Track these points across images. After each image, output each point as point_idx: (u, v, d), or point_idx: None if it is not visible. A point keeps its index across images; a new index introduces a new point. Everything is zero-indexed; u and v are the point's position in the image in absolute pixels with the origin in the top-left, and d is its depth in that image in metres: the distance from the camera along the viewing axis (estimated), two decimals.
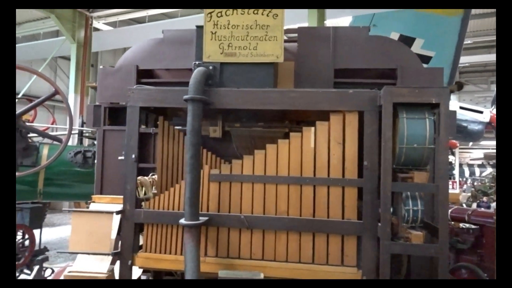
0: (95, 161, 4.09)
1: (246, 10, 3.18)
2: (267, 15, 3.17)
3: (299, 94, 2.94)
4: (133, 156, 3.06)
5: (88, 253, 3.00)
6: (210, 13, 3.23)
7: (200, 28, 3.28)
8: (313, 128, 2.94)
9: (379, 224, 2.74)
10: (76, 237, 3.03)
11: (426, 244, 2.64)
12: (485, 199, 15.46)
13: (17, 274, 5.71)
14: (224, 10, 3.20)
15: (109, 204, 3.20)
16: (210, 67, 3.16)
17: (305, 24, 7.99)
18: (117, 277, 3.04)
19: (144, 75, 3.99)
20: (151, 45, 3.97)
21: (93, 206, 3.20)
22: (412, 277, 3.34)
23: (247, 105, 2.96)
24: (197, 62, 3.22)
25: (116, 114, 4.12)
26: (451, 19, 4.89)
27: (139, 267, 3.09)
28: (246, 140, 3.48)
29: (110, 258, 3.05)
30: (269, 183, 2.96)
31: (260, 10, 3.17)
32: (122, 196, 3.30)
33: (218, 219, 2.96)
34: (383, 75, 3.75)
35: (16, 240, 5.50)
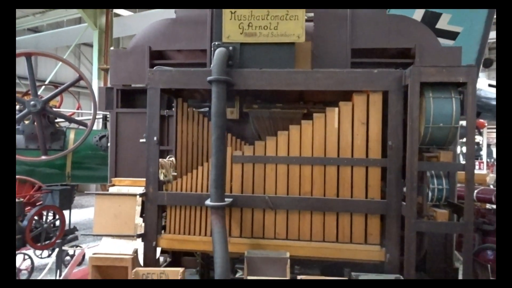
0: (108, 144, 4.05)
1: None
2: None
3: (324, 74, 2.92)
4: (155, 138, 3.03)
5: (113, 235, 3.01)
6: None
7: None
8: (337, 109, 2.94)
9: (403, 203, 2.79)
10: (100, 219, 3.03)
11: (452, 222, 2.69)
12: None
13: (49, 253, 6.00)
14: None
15: (131, 187, 3.19)
16: (230, 48, 3.11)
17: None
18: (141, 257, 3.06)
19: (156, 57, 3.93)
20: (163, 25, 3.90)
21: (114, 189, 3.19)
22: (428, 255, 3.42)
23: (272, 86, 2.94)
24: (216, 43, 3.17)
25: (128, 97, 4.08)
26: None
27: (163, 248, 3.10)
28: (264, 121, 3.47)
29: (134, 239, 3.06)
30: (292, 164, 2.97)
31: None
32: (142, 179, 3.31)
33: (242, 199, 2.97)
34: (401, 54, 3.74)
35: (48, 220, 5.75)
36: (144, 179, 3.29)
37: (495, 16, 4.61)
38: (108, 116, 6.44)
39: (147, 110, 3.06)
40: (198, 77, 3.01)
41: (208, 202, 2.83)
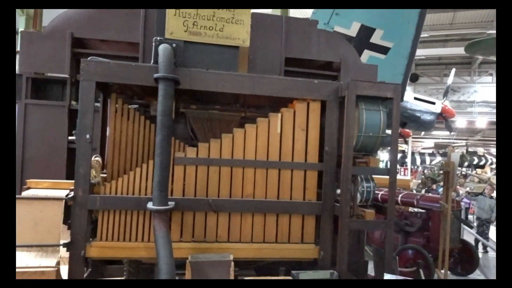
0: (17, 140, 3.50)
1: None
2: None
3: (269, 80, 3.01)
4: (88, 136, 2.74)
5: (35, 246, 2.62)
6: None
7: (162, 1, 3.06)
8: (279, 114, 3.05)
9: (336, 204, 3.04)
10: (20, 225, 2.61)
11: (377, 220, 3.02)
12: (434, 186, 16.15)
13: None
14: None
15: (52, 190, 2.82)
16: (173, 45, 2.99)
17: (268, 11, 7.83)
18: (65, 269, 2.73)
19: (77, 45, 3.55)
20: (89, 11, 3.53)
21: (31, 193, 2.78)
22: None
23: (219, 88, 2.92)
24: (158, 38, 3.01)
25: (39, 87, 3.59)
26: (410, 12, 5.10)
27: (93, 257, 2.82)
28: (202, 122, 3.41)
29: (57, 250, 2.71)
30: (236, 167, 2.99)
31: None
32: (63, 181, 2.99)
33: (184, 203, 2.88)
34: (325, 67, 4.05)
35: None
36: (65, 181, 2.98)
37: (422, 35, 5.22)
38: None
39: (79, 105, 2.75)
40: (140, 72, 2.83)
41: (150, 205, 2.67)
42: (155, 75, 2.69)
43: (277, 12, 7.66)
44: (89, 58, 2.79)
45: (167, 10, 3.02)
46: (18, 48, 3.41)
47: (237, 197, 2.98)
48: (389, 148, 3.09)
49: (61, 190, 2.83)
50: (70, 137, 2.88)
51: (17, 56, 3.47)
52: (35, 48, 3.40)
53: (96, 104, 3.59)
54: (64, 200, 2.70)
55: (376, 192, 3.09)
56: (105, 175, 3.08)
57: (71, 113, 3.56)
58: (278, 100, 3.18)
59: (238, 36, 3.14)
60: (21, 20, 9.88)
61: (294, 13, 12.62)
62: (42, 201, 2.67)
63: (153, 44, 3.02)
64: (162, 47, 2.86)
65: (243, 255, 2.97)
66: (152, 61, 3.02)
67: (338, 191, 3.09)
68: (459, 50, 17.46)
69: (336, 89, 3.08)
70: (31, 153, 3.47)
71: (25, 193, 2.78)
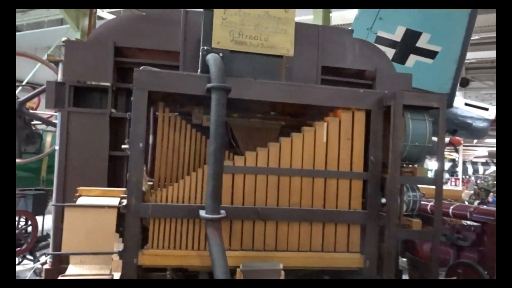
0: (56, 147, 3.52)
1: None
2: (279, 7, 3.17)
3: (316, 90, 3.04)
4: (141, 145, 2.77)
5: (88, 254, 2.64)
6: None
7: (208, 11, 3.09)
8: (325, 123, 3.08)
9: (382, 213, 3.06)
10: (71, 235, 2.63)
11: (424, 229, 3.04)
12: (490, 198, 15.09)
13: (19, 260, 5.64)
14: None
15: (103, 198, 2.84)
16: (220, 54, 3.03)
17: (310, 16, 7.75)
18: (118, 277, 2.74)
19: (119, 53, 3.58)
20: (130, 20, 3.58)
21: (83, 200, 2.79)
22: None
23: (268, 97, 2.95)
24: (205, 47, 3.05)
25: (80, 95, 3.61)
26: (459, 14, 4.84)
27: (145, 266, 2.83)
28: (243, 130, 3.44)
29: (110, 258, 2.72)
30: (283, 175, 3.01)
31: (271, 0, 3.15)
32: (113, 189, 3.01)
33: (233, 211, 2.89)
34: (356, 75, 4.08)
35: (19, 226, 5.48)
36: (116, 188, 3.01)
37: (472, 37, 5.00)
38: None
39: (132, 113, 2.78)
40: (191, 81, 2.86)
41: (203, 214, 2.70)
42: (209, 85, 2.72)
43: (319, 14, 7.37)
44: (141, 68, 2.82)
45: (214, 21, 3.06)
46: (62, 57, 3.44)
47: (283, 206, 3.00)
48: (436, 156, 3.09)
49: (112, 197, 2.84)
50: (123, 146, 2.89)
51: (60, 65, 3.51)
52: (79, 56, 3.43)
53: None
54: (117, 208, 2.72)
55: (425, 203, 3.10)
56: (150, 183, 3.10)
57: (111, 121, 3.59)
58: (316, 108, 3.22)
59: (282, 45, 3.18)
60: (76, 36, 10.43)
61: (335, 18, 12.19)
62: (96, 209, 2.68)
63: (200, 53, 3.06)
64: (212, 57, 2.89)
65: (290, 264, 2.98)
66: (199, 71, 3.06)
67: (382, 200, 3.11)
68: None
69: (381, 99, 3.11)
70: (73, 160, 3.48)
71: (80, 202, 2.78)
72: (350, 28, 4.14)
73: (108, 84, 3.54)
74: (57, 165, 3.48)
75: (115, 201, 2.80)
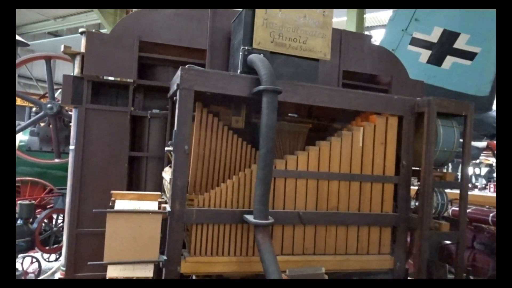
0: (72, 146, 3.26)
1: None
2: (317, 11, 3.16)
3: (357, 95, 3.07)
4: (186, 147, 2.64)
5: (132, 263, 2.47)
6: None
7: (249, 11, 3.01)
8: (362, 128, 3.12)
9: (412, 215, 3.16)
10: (114, 243, 2.45)
11: (452, 231, 3.18)
12: None
13: (57, 257, 5.84)
14: None
15: (141, 202, 2.68)
16: (261, 55, 2.96)
17: (344, 19, 7.54)
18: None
19: (141, 48, 3.39)
20: (156, 15, 3.38)
21: (121, 205, 2.62)
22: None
23: (314, 101, 2.94)
24: (246, 47, 2.97)
25: (95, 91, 3.38)
26: None
27: (186, 273, 2.70)
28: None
29: (151, 266, 2.58)
30: (322, 179, 3.02)
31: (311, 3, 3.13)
32: (148, 193, 2.86)
33: (275, 215, 2.84)
34: (369, 80, 4.17)
35: (58, 223, 5.64)
36: (150, 192, 2.87)
37: None
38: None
39: (177, 114, 2.64)
40: (237, 83, 2.78)
41: (251, 219, 2.63)
42: (260, 87, 2.65)
43: (353, 16, 7.16)
44: (187, 66, 2.69)
45: (256, 21, 2.98)
46: (82, 50, 3.19)
47: (322, 210, 3.01)
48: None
49: (150, 202, 2.69)
50: (166, 148, 2.73)
51: (77, 58, 3.25)
52: (101, 50, 3.19)
53: (155, 110, 3.50)
54: (162, 215, 2.58)
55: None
56: None
57: (133, 119, 3.38)
58: (343, 112, 3.26)
59: (320, 49, 3.17)
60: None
61: (369, 19, 11.99)
62: (140, 215, 2.52)
63: (241, 53, 2.98)
64: (257, 58, 2.82)
65: (328, 267, 2.98)
66: (239, 71, 2.97)
67: (411, 203, 3.22)
68: None
69: (413, 105, 3.20)
70: (90, 161, 3.23)
71: (118, 207, 2.59)
72: (367, 33, 4.20)
73: (130, 80, 3.34)
74: (72, 166, 3.23)
75: (154, 206, 2.65)
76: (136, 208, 2.57)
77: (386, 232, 3.19)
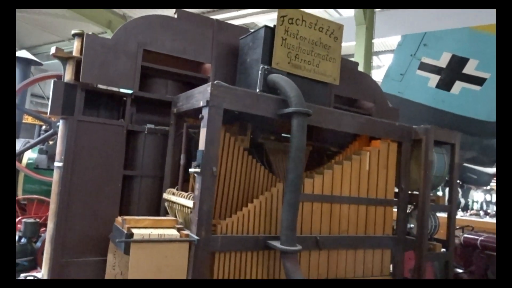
0: (60, 163, 2.82)
1: (313, 24, 3.12)
2: (330, 36, 3.22)
3: (366, 120, 3.16)
4: (214, 169, 2.45)
5: None
6: (283, 16, 2.99)
7: (269, 29, 2.96)
8: (368, 153, 3.21)
9: (408, 237, 3.32)
10: (138, 275, 2.16)
11: (443, 252, 3.39)
12: None
13: None
14: (295, 18, 3.04)
15: (161, 230, 2.41)
16: (283, 76, 2.92)
17: (353, 43, 7.26)
18: None
19: (144, 57, 3.11)
20: (160, 23, 3.14)
21: (140, 233, 2.32)
22: None
23: (327, 125, 2.95)
24: (265, 67, 2.90)
25: (89, 101, 3.00)
26: None
27: None
28: (277, 153, 3.33)
29: None
30: (335, 203, 3.02)
31: (325, 29, 3.19)
32: (163, 217, 2.61)
33: None
34: (346, 103, 4.33)
35: None
36: (166, 217, 2.62)
37: None
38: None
39: (205, 132, 2.45)
40: (264, 103, 2.68)
41: (279, 245, 2.53)
42: (291, 109, 2.59)
43: (361, 41, 7.01)
44: (215, 82, 2.52)
45: (276, 39, 2.94)
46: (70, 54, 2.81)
47: (334, 234, 3.00)
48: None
49: (167, 229, 2.43)
50: (190, 169, 2.48)
51: (69, 63, 2.85)
52: (101, 57, 2.84)
53: (149, 125, 3.22)
54: (188, 243, 2.34)
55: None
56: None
57: (128, 135, 3.04)
58: (342, 135, 3.35)
59: (330, 73, 3.23)
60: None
61: (378, 45, 11.78)
62: (166, 244, 2.26)
63: (260, 72, 2.90)
64: (283, 79, 2.77)
65: None
66: (258, 89, 2.88)
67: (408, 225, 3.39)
68: None
69: (410, 132, 3.40)
70: (81, 179, 2.81)
71: (138, 235, 2.27)
72: (352, 59, 4.37)
73: (130, 91, 3.03)
74: (59, 185, 2.80)
75: (173, 233, 2.41)
76: (158, 236, 2.30)
77: (387, 254, 3.29)
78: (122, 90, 3.07)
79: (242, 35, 3.30)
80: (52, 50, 2.81)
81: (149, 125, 3.20)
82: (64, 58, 2.85)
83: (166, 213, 2.98)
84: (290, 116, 2.62)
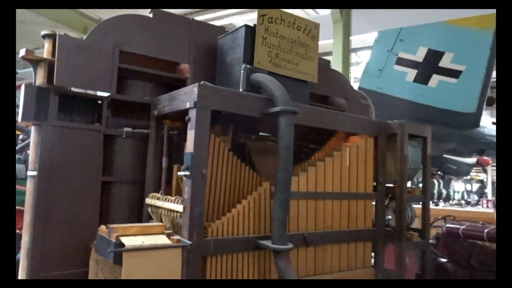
0: (34, 172, 2.65)
1: (292, 23, 3.15)
2: (307, 35, 3.26)
3: (345, 117, 3.23)
4: (204, 171, 2.41)
5: None
6: (263, 15, 2.99)
7: (249, 28, 2.94)
8: (348, 149, 3.29)
9: (387, 229, 3.44)
10: None
11: (420, 241, 3.55)
12: None
13: None
14: (274, 17, 3.04)
15: (147, 236, 2.33)
16: (267, 75, 2.92)
17: (330, 41, 7.02)
18: None
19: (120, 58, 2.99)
20: (136, 23, 3.02)
21: (131, 241, 2.23)
22: None
23: (311, 123, 2.99)
24: (248, 66, 2.88)
25: (64, 105, 2.85)
26: (483, 32, 4.65)
27: None
28: (259, 153, 3.33)
29: None
30: (319, 199, 3.07)
31: (303, 28, 3.22)
32: (151, 224, 2.53)
33: None
34: (319, 100, 4.42)
35: None
36: (154, 223, 2.55)
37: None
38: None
39: (193, 135, 2.39)
40: (251, 102, 2.67)
41: (270, 245, 2.53)
42: (277, 108, 2.59)
43: (339, 39, 6.92)
44: (202, 83, 2.47)
45: (256, 39, 2.93)
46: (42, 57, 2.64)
47: (320, 230, 3.05)
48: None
49: (157, 235, 2.36)
50: (179, 173, 2.40)
51: (41, 66, 2.67)
52: (76, 58, 2.68)
53: (127, 128, 3.12)
54: (181, 248, 2.29)
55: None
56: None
57: (105, 139, 2.90)
58: (322, 132, 3.41)
59: (309, 71, 3.27)
60: None
61: (355, 41, 11.67)
62: (159, 251, 2.19)
63: (243, 71, 2.88)
64: (268, 79, 2.77)
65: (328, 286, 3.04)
66: (241, 89, 2.86)
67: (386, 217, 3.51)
68: None
69: (385, 127, 3.52)
70: (57, 188, 2.65)
71: (129, 244, 2.18)
72: (330, 56, 4.45)
73: (106, 94, 2.90)
74: (34, 195, 2.63)
75: (164, 239, 2.34)
76: (149, 243, 2.23)
77: (368, 246, 3.39)
78: (98, 93, 2.94)
79: (219, 35, 3.26)
80: (22, 52, 2.63)
81: (126, 129, 3.08)
82: (35, 61, 2.67)
83: (149, 219, 2.89)
84: (276, 115, 2.62)
